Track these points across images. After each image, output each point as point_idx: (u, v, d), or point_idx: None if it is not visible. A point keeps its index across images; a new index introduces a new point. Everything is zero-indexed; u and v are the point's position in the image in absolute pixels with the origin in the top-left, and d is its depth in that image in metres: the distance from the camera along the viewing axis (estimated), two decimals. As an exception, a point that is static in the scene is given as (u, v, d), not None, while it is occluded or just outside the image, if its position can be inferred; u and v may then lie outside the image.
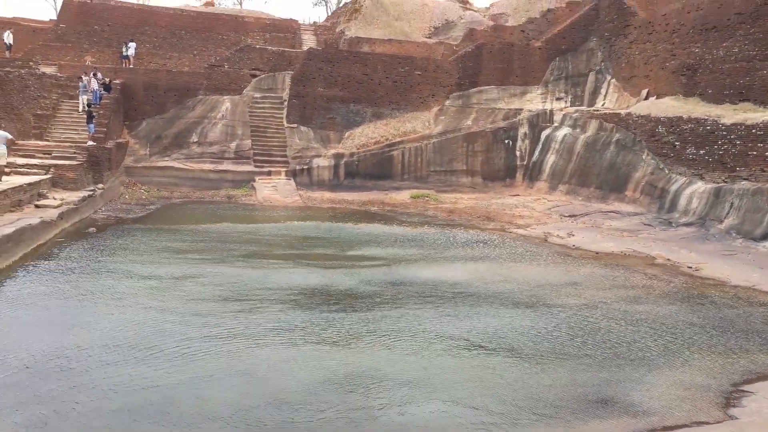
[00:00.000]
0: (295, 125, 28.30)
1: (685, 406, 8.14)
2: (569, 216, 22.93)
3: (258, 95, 28.65)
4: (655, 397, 8.34)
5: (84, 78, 25.04)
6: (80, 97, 24.76)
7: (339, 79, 28.67)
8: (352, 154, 27.79)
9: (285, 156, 27.76)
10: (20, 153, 20.71)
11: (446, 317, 11.23)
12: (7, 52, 27.84)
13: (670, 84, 24.42)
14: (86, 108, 23.80)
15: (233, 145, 27.52)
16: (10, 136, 17.49)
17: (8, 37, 28.04)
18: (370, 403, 7.86)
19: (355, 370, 8.79)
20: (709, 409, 8.12)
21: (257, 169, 27.02)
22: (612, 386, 8.63)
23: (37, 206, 16.57)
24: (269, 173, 27.05)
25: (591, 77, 29.53)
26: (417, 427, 7.39)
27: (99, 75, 25.61)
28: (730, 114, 20.54)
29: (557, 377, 8.83)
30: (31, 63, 26.42)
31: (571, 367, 9.24)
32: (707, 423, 7.78)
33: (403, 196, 26.93)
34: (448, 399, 8.06)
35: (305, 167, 27.54)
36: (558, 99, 29.78)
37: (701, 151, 20.81)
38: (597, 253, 17.52)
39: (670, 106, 23.20)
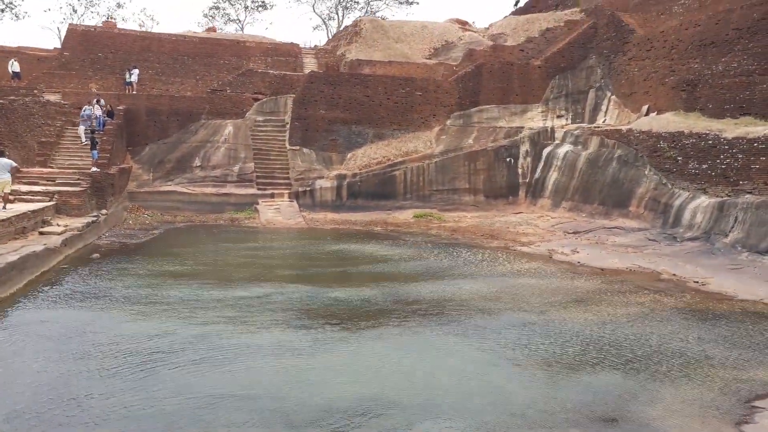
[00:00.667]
0: (298, 147, 28.46)
1: (697, 424, 8.01)
2: (573, 233, 22.87)
3: (260, 118, 28.85)
4: (668, 414, 8.21)
5: (87, 107, 25.26)
6: (80, 127, 24.88)
7: (340, 101, 28.87)
8: (354, 175, 27.86)
9: (288, 178, 27.87)
10: (24, 180, 20.83)
11: (452, 334, 11.15)
12: (13, 81, 28.15)
13: (670, 99, 24.51)
14: (88, 138, 23.98)
15: (236, 168, 27.64)
16: (14, 164, 17.61)
17: (13, 66, 28.37)
18: (380, 422, 7.76)
19: (362, 389, 8.69)
20: (721, 426, 7.99)
21: (260, 192, 27.11)
22: (624, 403, 8.52)
23: (41, 233, 16.59)
24: (272, 195, 27.13)
25: (591, 94, 29.67)
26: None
27: (102, 102, 25.90)
28: (731, 128, 20.57)
29: (568, 394, 8.72)
30: (35, 91, 26.69)
31: (582, 383, 9.13)
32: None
33: (406, 215, 26.93)
34: (456, 415, 7.96)
35: (308, 189, 27.61)
36: (559, 116, 29.91)
37: (704, 166, 20.80)
38: (602, 269, 17.44)
39: (671, 122, 23.25)
